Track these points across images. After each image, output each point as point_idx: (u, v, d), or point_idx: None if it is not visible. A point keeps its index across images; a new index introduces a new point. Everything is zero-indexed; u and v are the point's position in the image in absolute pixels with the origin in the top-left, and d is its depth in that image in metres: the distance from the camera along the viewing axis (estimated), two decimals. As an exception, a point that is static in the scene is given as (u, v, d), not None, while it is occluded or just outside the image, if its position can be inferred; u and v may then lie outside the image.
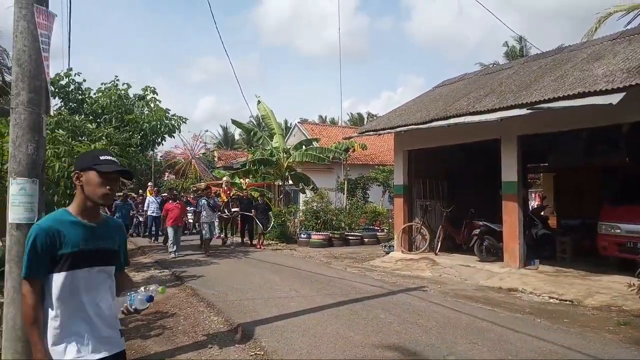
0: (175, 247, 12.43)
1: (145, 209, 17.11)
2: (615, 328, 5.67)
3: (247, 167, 17.99)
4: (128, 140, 10.52)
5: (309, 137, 22.10)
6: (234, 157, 33.38)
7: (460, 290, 8.14)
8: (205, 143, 37.56)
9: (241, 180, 19.22)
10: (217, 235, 15.58)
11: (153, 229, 16.88)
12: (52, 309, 2.11)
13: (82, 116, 11.04)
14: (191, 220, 18.85)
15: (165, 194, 18.39)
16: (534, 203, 17.50)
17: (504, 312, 6.49)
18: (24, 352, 3.59)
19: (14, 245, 3.67)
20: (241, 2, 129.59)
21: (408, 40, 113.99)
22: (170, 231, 12.53)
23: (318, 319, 6.01)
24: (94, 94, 11.53)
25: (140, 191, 22.19)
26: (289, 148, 18.33)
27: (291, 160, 17.42)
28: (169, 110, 11.65)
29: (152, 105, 11.75)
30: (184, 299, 7.48)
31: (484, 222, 10.61)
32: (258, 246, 14.55)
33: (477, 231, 10.57)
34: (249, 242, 15.41)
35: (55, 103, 11.24)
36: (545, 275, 8.78)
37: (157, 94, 12.12)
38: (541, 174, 18.36)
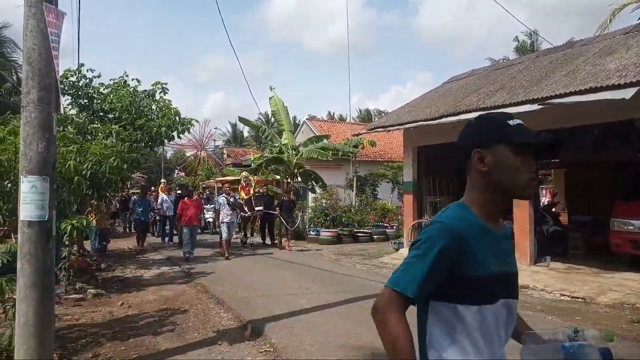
0: (188, 248, 11.60)
1: (158, 207, 16.04)
2: (628, 326, 5.61)
3: (257, 164, 17.92)
4: (136, 138, 10.56)
5: (317, 134, 22.05)
6: (243, 155, 33.45)
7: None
8: (214, 138, 35.78)
9: (250, 177, 19.21)
10: (235, 235, 14.57)
11: (167, 229, 16.05)
12: (437, 350, 1.45)
13: (92, 113, 11.13)
14: (211, 220, 18.19)
15: (179, 192, 17.46)
16: (545, 199, 17.34)
17: (514, 309, 6.43)
18: (36, 348, 3.62)
19: (26, 242, 3.69)
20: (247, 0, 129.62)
21: (417, 35, 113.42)
22: (185, 231, 11.64)
23: (328, 316, 6.01)
24: (104, 89, 11.53)
25: (153, 188, 21.43)
26: (298, 145, 18.30)
27: (300, 157, 17.40)
28: (179, 112, 11.57)
29: (160, 102, 11.71)
30: (194, 295, 7.52)
31: (494, 219, 10.51)
32: (286, 247, 13.41)
33: (487, 228, 10.47)
34: (270, 242, 14.64)
35: (66, 98, 11.30)
36: (557, 272, 8.70)
37: (167, 91, 11.99)
38: (552, 170, 18.21)
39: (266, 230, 14.94)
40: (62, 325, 5.74)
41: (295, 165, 17.31)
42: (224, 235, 12.04)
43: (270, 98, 17.94)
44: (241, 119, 21.17)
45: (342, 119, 45.30)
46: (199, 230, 16.11)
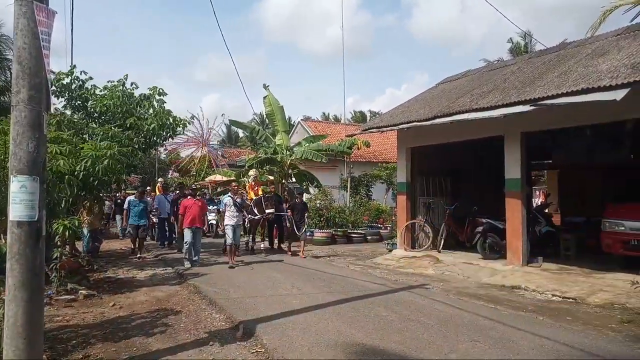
0: (190, 254, 10.42)
1: (155, 208, 14.58)
2: (618, 326, 5.64)
3: (251, 165, 17.84)
4: (131, 140, 10.53)
5: (312, 135, 22.04)
6: (238, 155, 33.36)
7: (462, 288, 8.12)
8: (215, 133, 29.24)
9: (244, 178, 19.15)
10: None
11: (167, 232, 14.88)
12: None
13: (86, 115, 11.09)
14: (214, 222, 16.66)
15: (177, 191, 16.20)
16: (538, 200, 17.44)
17: (506, 310, 6.47)
18: (25, 348, 3.60)
19: (15, 242, 3.68)
20: (243, 0, 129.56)
21: (412, 37, 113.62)
22: (187, 234, 10.36)
23: (320, 316, 6.00)
24: (99, 91, 11.49)
25: (149, 188, 20.99)
26: (292, 146, 18.28)
27: (294, 158, 17.37)
28: (171, 111, 11.51)
29: (156, 105, 11.67)
30: (186, 296, 7.50)
31: (487, 220, 10.57)
32: (300, 254, 11.99)
33: (480, 229, 10.53)
34: (277, 247, 13.53)
35: (60, 101, 11.25)
36: (549, 272, 8.74)
37: (165, 94, 11.89)
38: (545, 171, 18.31)
39: (274, 234, 13.80)
40: (53, 326, 5.72)
41: (289, 165, 17.29)
42: (229, 239, 10.75)
43: (264, 97, 17.70)
44: (232, 122, 21.11)
45: (337, 120, 45.33)
46: (209, 234, 14.97)
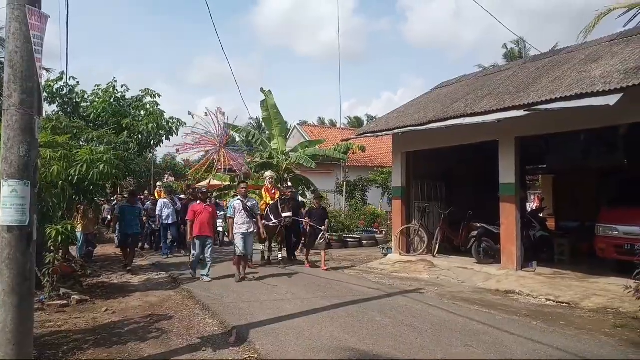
0: (196, 264, 9.49)
1: (157, 214, 13.40)
2: (611, 330, 5.64)
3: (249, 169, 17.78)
4: (126, 144, 10.51)
5: (308, 139, 22.06)
6: (235, 160, 33.30)
7: (457, 292, 8.12)
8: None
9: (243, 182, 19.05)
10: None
11: (170, 239, 13.73)
12: None
13: (80, 119, 11.06)
14: (220, 229, 14.83)
15: (182, 195, 15.07)
16: (532, 205, 17.48)
17: (500, 314, 6.46)
18: (14, 355, 3.57)
19: (6, 247, 3.65)
20: (239, 4, 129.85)
21: (408, 42, 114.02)
22: (197, 244, 9.29)
23: (313, 321, 5.98)
24: (89, 96, 11.48)
25: (147, 192, 19.38)
26: (289, 150, 18.27)
27: (290, 162, 17.36)
28: (165, 112, 11.50)
29: (149, 107, 11.65)
30: (179, 301, 7.46)
31: (482, 224, 10.58)
32: (322, 266, 10.70)
33: (474, 233, 10.53)
34: (293, 257, 12.13)
35: (53, 110, 11.23)
36: (543, 277, 8.75)
37: (159, 96, 11.88)
38: (540, 176, 18.36)
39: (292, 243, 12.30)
40: (44, 331, 5.68)
41: (285, 170, 17.28)
42: (239, 249, 9.17)
43: (262, 101, 17.40)
44: (228, 125, 20.92)
45: (333, 124, 45.40)
46: (216, 243, 13.15)
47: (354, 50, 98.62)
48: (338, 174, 22.68)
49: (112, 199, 18.20)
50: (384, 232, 17.00)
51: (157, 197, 15.19)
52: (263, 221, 10.34)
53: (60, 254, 8.67)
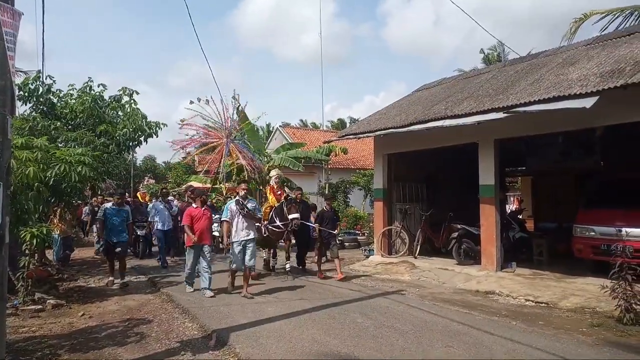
0: (193, 277, 8.33)
1: (150, 219, 12.22)
2: (588, 329, 5.73)
3: (229, 171, 17.63)
4: (105, 145, 10.31)
5: (290, 141, 22.01)
6: (215, 162, 33.08)
7: (438, 293, 8.16)
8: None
9: (222, 185, 18.92)
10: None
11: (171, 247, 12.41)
12: None
13: (55, 120, 10.82)
14: (216, 234, 11.95)
15: (170, 197, 13.34)
16: (512, 206, 17.71)
17: (480, 315, 6.51)
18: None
19: (-23, 250, 3.54)
20: (220, 7, 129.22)
21: (389, 47, 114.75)
22: (191, 255, 8.10)
23: (294, 324, 5.94)
24: (64, 96, 11.22)
25: (127, 194, 18.93)
26: (270, 152, 18.20)
27: (272, 165, 17.28)
28: (146, 116, 11.26)
29: (127, 108, 11.43)
30: (158, 305, 7.36)
31: (463, 226, 10.67)
32: (338, 275, 9.49)
33: (455, 234, 10.61)
34: (302, 266, 10.85)
35: (25, 110, 10.95)
36: (522, 277, 8.85)
37: (137, 93, 11.59)
38: (519, 178, 18.63)
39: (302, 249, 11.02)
40: (18, 337, 5.53)
41: (268, 172, 17.18)
42: (236, 262, 7.94)
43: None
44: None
45: (315, 127, 45.39)
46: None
47: (336, 54, 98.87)
48: (320, 176, 22.68)
49: (91, 201, 17.85)
50: (366, 234, 17.03)
51: (140, 200, 14.58)
52: (266, 223, 9.48)
53: (36, 258, 8.48)
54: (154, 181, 33.85)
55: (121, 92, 11.60)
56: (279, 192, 10.36)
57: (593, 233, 8.54)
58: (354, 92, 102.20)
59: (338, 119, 53.52)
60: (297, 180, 18.75)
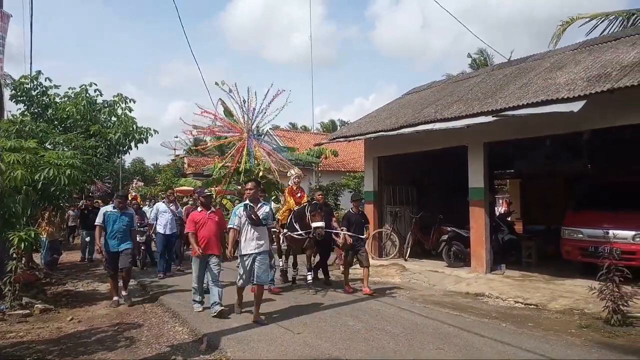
0: (201, 294, 7.07)
1: (151, 222, 11.03)
2: (577, 331, 5.79)
3: (219, 174, 17.49)
4: (94, 149, 10.22)
5: (280, 144, 21.98)
6: (205, 164, 32.98)
7: (428, 295, 8.19)
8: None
9: (212, 188, 18.80)
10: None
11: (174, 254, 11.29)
12: None
13: (45, 122, 10.71)
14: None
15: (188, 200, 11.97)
16: (501, 209, 17.85)
17: (470, 317, 6.55)
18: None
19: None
20: (209, 9, 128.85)
21: (379, 49, 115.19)
22: (197, 266, 6.93)
23: (286, 327, 5.93)
24: (60, 99, 11.12)
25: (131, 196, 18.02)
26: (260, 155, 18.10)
27: (262, 167, 17.22)
28: (135, 120, 11.16)
29: (120, 113, 11.33)
30: (148, 309, 7.31)
31: (452, 228, 10.73)
32: (365, 289, 8.21)
33: (445, 237, 10.67)
34: (325, 278, 9.31)
35: (18, 108, 10.83)
36: (512, 279, 8.93)
37: (133, 101, 11.47)
38: (508, 180, 18.79)
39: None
40: (5, 343, 5.47)
41: (257, 175, 17.12)
42: (241, 278, 6.48)
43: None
44: (196, 127, 20.53)
45: (306, 129, 45.42)
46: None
47: (326, 57, 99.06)
48: (311, 179, 22.67)
49: (80, 204, 17.66)
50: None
51: (130, 199, 13.93)
52: (286, 231, 8.43)
53: (23, 262, 8.39)
54: (142, 184, 33.67)
55: (117, 99, 11.47)
56: (299, 194, 9.21)
57: (581, 235, 8.64)
58: (344, 94, 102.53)
59: (329, 120, 53.62)
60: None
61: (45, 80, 10.86)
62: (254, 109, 11.96)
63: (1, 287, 6.96)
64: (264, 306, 6.78)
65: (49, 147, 9.46)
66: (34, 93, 10.69)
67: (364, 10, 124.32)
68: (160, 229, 10.68)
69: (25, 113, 10.72)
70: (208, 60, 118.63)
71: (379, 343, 5.27)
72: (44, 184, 7.37)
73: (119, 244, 7.52)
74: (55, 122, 10.78)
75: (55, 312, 7.07)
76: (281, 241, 8.70)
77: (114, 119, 11.33)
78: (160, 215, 10.78)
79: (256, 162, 13.54)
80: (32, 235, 6.79)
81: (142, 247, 11.59)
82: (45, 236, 10.54)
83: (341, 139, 12.44)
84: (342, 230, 8.47)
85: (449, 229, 10.80)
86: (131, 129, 10.84)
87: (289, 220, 8.61)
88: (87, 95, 11.10)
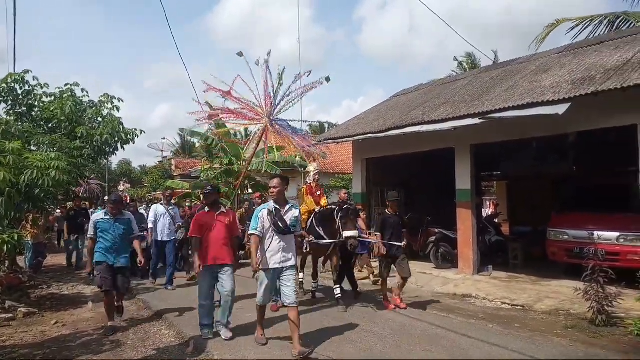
0: (211, 317, 5.77)
1: (151, 226, 9.41)
2: (562, 331, 5.84)
3: (206, 176, 17.41)
4: (79, 150, 10.10)
5: (269, 145, 21.89)
6: (192, 166, 32.82)
7: (416, 297, 8.20)
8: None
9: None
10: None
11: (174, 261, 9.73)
12: None
13: (31, 122, 10.57)
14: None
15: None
16: (488, 210, 17.96)
17: (458, 318, 6.58)
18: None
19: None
20: (196, 11, 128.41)
21: (368, 53, 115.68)
22: (205, 280, 5.77)
23: (274, 330, 5.90)
24: (46, 99, 10.97)
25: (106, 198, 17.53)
26: (249, 156, 18.01)
27: (251, 169, 17.15)
28: (122, 121, 11.04)
29: (105, 114, 11.22)
30: (135, 312, 7.23)
31: (440, 230, 10.77)
32: (397, 302, 7.17)
33: (433, 238, 10.72)
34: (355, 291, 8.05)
35: (3, 108, 10.67)
36: (498, 281, 8.99)
37: (120, 101, 11.35)
38: (495, 182, 18.93)
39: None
40: (-12, 347, 5.37)
41: (246, 177, 17.06)
42: (264, 295, 5.36)
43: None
44: (186, 130, 20.45)
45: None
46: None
47: (314, 60, 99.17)
48: (299, 181, 22.63)
49: (70, 206, 17.37)
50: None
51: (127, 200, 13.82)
52: (312, 238, 7.29)
53: (7, 264, 8.27)
54: (129, 185, 33.37)
55: (104, 99, 11.36)
56: (319, 193, 8.10)
57: (566, 236, 8.73)
58: (333, 96, 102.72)
59: (318, 121, 53.50)
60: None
61: (33, 80, 10.73)
62: (279, 93, 9.05)
63: (-17, 291, 6.85)
64: (254, 309, 5.92)
65: (33, 148, 9.34)
66: (19, 91, 10.53)
67: (351, 14, 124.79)
68: (159, 234, 9.36)
69: (10, 112, 10.56)
70: (194, 61, 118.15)
71: (367, 345, 5.27)
72: (28, 185, 7.27)
73: (115, 257, 6.16)
74: (41, 123, 10.64)
75: (40, 316, 6.97)
76: (305, 249, 7.44)
77: (99, 119, 11.22)
78: (160, 219, 9.40)
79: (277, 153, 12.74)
80: (15, 238, 6.68)
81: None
82: (30, 239, 10.42)
83: (330, 141, 12.46)
84: (375, 237, 7.35)
85: (436, 230, 10.84)
86: (117, 129, 10.73)
87: (309, 224, 7.46)
88: (73, 94, 10.98)
